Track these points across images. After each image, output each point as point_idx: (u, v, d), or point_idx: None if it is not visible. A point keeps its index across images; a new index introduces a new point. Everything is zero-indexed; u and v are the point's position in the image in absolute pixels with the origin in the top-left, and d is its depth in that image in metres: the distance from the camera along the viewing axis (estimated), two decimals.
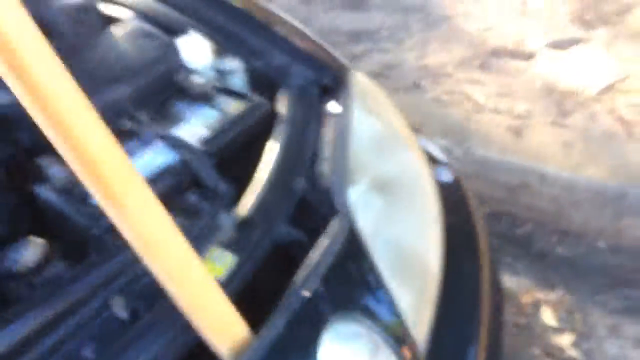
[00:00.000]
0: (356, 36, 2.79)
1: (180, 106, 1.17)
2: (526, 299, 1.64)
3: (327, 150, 1.00)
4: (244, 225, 0.87)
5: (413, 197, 0.98)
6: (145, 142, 1.08)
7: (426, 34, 2.63)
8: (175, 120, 1.13)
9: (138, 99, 1.17)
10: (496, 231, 1.92)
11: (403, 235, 0.91)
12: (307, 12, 2.98)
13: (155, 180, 0.98)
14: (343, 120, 1.02)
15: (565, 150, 1.77)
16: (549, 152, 1.79)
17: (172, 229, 0.64)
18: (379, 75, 2.52)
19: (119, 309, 0.79)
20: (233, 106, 1.13)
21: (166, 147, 1.04)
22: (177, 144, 1.03)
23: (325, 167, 0.97)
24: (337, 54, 1.31)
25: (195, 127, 1.10)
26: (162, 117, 1.15)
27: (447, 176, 1.08)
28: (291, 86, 1.16)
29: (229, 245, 0.85)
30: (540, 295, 1.65)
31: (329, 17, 2.91)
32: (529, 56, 2.26)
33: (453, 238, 0.98)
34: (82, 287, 0.80)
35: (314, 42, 1.33)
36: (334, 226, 0.86)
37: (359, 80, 1.19)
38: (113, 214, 0.60)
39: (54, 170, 0.96)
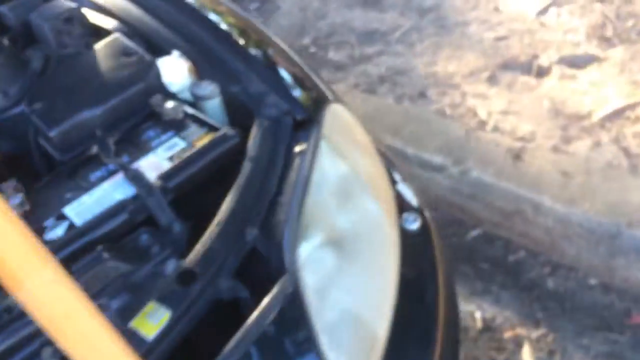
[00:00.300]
0: (369, 36, 2.72)
1: (149, 133, 1.15)
2: (508, 334, 1.61)
3: (286, 196, 0.98)
4: (186, 277, 0.85)
5: (370, 254, 0.95)
6: (109, 172, 1.07)
7: (439, 39, 2.55)
8: (142, 148, 1.11)
9: (109, 121, 1.15)
10: (488, 255, 1.88)
11: (352, 298, 0.88)
12: (320, 8, 2.92)
13: (107, 217, 0.97)
14: (306, 163, 0.98)
15: (564, 181, 1.71)
16: (547, 180, 1.73)
17: (83, 309, 0.62)
18: (387, 81, 2.47)
19: (49, 358, 0.79)
20: (200, 137, 1.10)
21: (125, 179, 1.03)
22: (135, 177, 1.01)
23: (282, 216, 0.94)
24: (321, 83, 1.28)
25: (160, 158, 1.08)
26: (130, 144, 1.13)
27: (415, 224, 1.04)
28: (264, 117, 1.13)
29: (167, 300, 0.83)
30: (522, 331, 1.62)
31: (342, 14, 2.84)
32: (540, 72, 2.18)
33: (409, 297, 0.95)
34: (13, 336, 0.79)
35: (298, 69, 1.29)
36: (279, 287, 0.84)
37: (337, 114, 1.15)
38: (15, 295, 0.59)
39: None
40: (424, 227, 1.06)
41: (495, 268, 1.83)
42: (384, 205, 1.01)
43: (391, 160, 1.21)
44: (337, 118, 1.13)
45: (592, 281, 1.68)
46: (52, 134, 1.08)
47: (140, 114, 1.18)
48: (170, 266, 0.89)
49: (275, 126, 1.10)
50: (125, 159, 1.09)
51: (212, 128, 1.11)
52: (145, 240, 0.95)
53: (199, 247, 0.88)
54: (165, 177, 1.01)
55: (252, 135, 1.08)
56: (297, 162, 1.02)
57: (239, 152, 1.07)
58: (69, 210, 0.99)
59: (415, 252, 1.02)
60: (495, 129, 2.02)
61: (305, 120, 1.12)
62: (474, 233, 1.94)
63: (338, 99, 1.27)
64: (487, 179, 1.82)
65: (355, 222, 0.96)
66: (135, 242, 0.95)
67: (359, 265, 0.92)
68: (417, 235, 1.04)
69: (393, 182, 1.13)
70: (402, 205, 1.09)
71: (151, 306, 0.81)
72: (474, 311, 1.72)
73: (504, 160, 1.84)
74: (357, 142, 1.12)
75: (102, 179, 1.05)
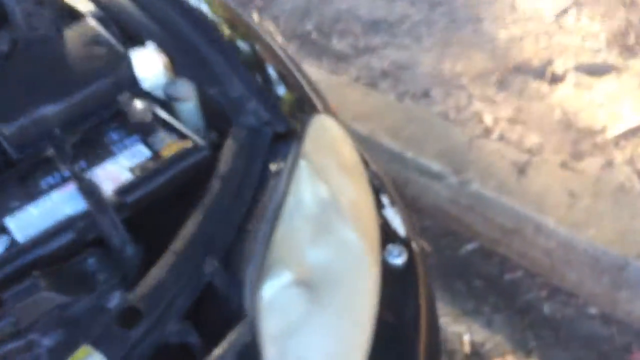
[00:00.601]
0: (375, 26, 2.58)
1: (113, 136, 1.04)
2: None
3: (256, 223, 0.87)
4: (129, 316, 0.75)
5: (345, 296, 0.84)
6: (62, 179, 0.96)
7: (448, 34, 2.42)
8: (102, 153, 1.01)
9: (70, 118, 1.05)
10: (484, 272, 1.78)
11: (319, 351, 0.77)
12: None
13: (52, 234, 0.87)
14: (281, 187, 0.87)
15: (570, 202, 1.59)
16: (552, 200, 1.61)
17: None
18: (390, 76, 2.34)
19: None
20: (167, 146, 0.99)
21: (77, 191, 0.92)
22: (88, 190, 0.91)
23: (248, 246, 0.84)
24: (309, 88, 1.16)
25: (120, 167, 0.97)
26: (90, 147, 1.02)
27: (399, 258, 0.94)
28: (242, 126, 1.02)
29: (104, 343, 0.73)
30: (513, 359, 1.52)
31: (348, 1, 2.70)
32: (553, 79, 2.05)
33: (387, 346, 0.84)
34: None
35: (286, 69, 1.17)
36: (234, 334, 0.73)
37: (322, 126, 1.04)
38: None
39: None
40: (410, 262, 0.95)
41: (489, 287, 1.73)
42: (365, 238, 0.91)
43: (382, 180, 1.10)
44: (322, 132, 1.02)
45: (593, 310, 1.58)
46: (7, 130, 0.98)
47: (106, 113, 1.07)
48: (114, 300, 0.79)
49: (252, 138, 0.99)
50: (82, 164, 0.99)
51: (181, 136, 1.00)
52: (91, 264, 0.85)
53: (147, 280, 0.78)
54: (123, 191, 0.91)
55: (225, 148, 0.97)
56: (271, 183, 0.91)
57: (209, 166, 0.96)
58: (12, 222, 0.89)
59: (398, 292, 0.92)
60: (501, 137, 1.90)
61: (286, 133, 1.00)
62: (470, 247, 1.84)
63: (327, 108, 1.16)
64: (487, 192, 1.71)
65: (331, 258, 0.86)
66: (79, 266, 0.84)
67: (331, 310, 0.82)
68: (401, 272, 0.94)
69: (380, 207, 1.02)
70: (388, 234, 0.98)
71: (84, 351, 0.71)
72: (463, 333, 1.62)
73: (508, 173, 1.73)
74: (342, 161, 1.01)
75: (54, 186, 0.96)
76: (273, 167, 0.94)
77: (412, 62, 2.37)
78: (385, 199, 1.04)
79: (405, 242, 0.98)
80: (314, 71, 2.49)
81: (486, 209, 1.73)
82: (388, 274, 0.92)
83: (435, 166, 1.86)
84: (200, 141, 0.98)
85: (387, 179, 1.12)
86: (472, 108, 2.03)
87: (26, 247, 0.85)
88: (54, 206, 0.91)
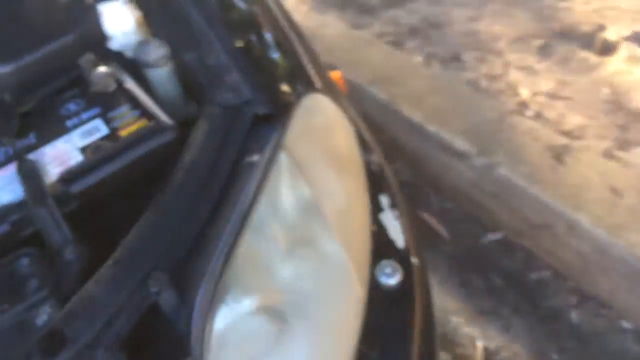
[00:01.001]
0: None
1: (70, 106, 0.93)
2: None
3: (216, 229, 0.75)
4: (51, 341, 0.65)
5: (321, 325, 0.72)
6: (5, 159, 0.86)
7: None
8: (55, 127, 0.90)
9: (23, 82, 0.94)
10: (506, 267, 1.65)
11: None
12: None
13: None
14: (251, 187, 0.75)
15: (611, 200, 1.44)
16: (590, 196, 1.46)
17: None
18: (418, 34, 2.17)
19: None
20: (128, 123, 0.87)
21: (17, 175, 0.81)
22: (28, 174, 0.80)
23: (204, 259, 0.72)
24: (312, 63, 1.02)
25: (71, 145, 0.86)
26: (43, 119, 0.91)
27: (392, 278, 0.81)
28: (217, 102, 0.89)
29: None
30: None
31: None
32: (604, 49, 1.86)
33: None
34: None
35: (284, 38, 1.03)
36: None
37: (314, 109, 0.90)
38: None
39: None
40: (406, 281, 0.83)
41: (510, 285, 1.61)
42: (351, 251, 0.77)
43: (384, 176, 0.96)
44: (313, 115, 0.88)
45: (626, 324, 1.45)
46: None
47: (65, 78, 0.96)
48: (43, 317, 0.69)
49: (227, 119, 0.86)
50: (31, 139, 0.88)
51: (146, 113, 0.88)
52: (24, 267, 0.74)
53: (79, 297, 0.67)
54: (68, 178, 0.79)
55: (193, 132, 0.84)
56: (243, 179, 0.79)
57: (174, 150, 0.84)
58: None
59: (387, 320, 0.79)
60: (538, 115, 1.73)
61: (269, 115, 0.87)
62: (492, 237, 1.70)
63: (327, 84, 1.02)
64: (516, 179, 1.56)
65: (308, 277, 0.73)
66: (10, 268, 0.74)
67: (303, 344, 0.70)
68: (394, 294, 0.81)
69: (377, 210, 0.89)
70: (382, 246, 0.86)
71: None
72: (476, 338, 1.51)
73: (541, 159, 1.57)
74: (335, 154, 0.87)
75: None
76: (249, 158, 0.82)
77: (444, 19, 2.18)
78: (384, 200, 0.91)
79: (402, 256, 0.85)
80: (334, 24, 2.32)
81: (513, 198, 1.59)
82: (378, 296, 0.80)
83: (460, 143, 1.71)
84: (165, 120, 0.85)
85: (391, 173, 0.99)
86: (508, 78, 1.86)
87: None
88: None
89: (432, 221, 1.79)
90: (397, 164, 1.92)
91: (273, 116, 0.88)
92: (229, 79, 0.91)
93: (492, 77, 1.88)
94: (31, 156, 0.84)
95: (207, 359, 0.63)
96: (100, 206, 0.81)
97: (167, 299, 0.68)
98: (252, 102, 0.88)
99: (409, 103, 1.88)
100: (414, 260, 0.87)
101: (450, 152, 1.75)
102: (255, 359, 0.67)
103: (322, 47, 2.19)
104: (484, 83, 1.87)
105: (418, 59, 2.06)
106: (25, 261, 0.75)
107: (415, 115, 1.84)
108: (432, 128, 1.79)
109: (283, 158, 0.78)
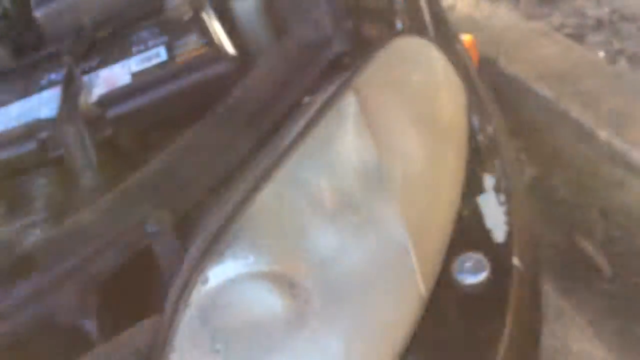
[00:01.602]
0: None
1: (143, 34, 0.90)
2: None
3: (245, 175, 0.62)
4: (19, 266, 0.57)
5: (358, 319, 0.57)
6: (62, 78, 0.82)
7: None
8: (120, 52, 0.85)
9: (105, 6, 0.92)
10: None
11: None
12: None
13: (9, 141, 0.73)
14: (300, 124, 0.62)
15: None
16: None
17: None
18: (606, 27, 1.89)
19: None
20: (189, 52, 0.79)
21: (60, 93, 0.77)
22: (71, 94, 0.75)
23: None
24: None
25: (125, 70, 0.80)
26: (113, 45, 0.87)
27: (476, 276, 0.63)
28: (292, 36, 0.77)
29: None
30: None
31: None
32: None
33: None
34: None
35: None
36: (135, 332, 0.52)
37: (413, 54, 0.74)
38: None
39: None
40: (497, 285, 0.63)
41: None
42: (419, 233, 0.61)
43: (498, 153, 0.77)
44: (407, 62, 0.72)
45: None
46: (40, 12, 0.90)
47: (145, 5, 0.91)
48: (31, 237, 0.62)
49: (299, 55, 0.74)
50: (94, 62, 0.84)
51: (211, 43, 0.79)
52: (40, 186, 0.69)
53: (66, 223, 0.59)
54: (107, 100, 0.73)
55: (257, 64, 0.73)
56: (295, 119, 0.66)
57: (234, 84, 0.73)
58: None
59: (459, 329, 0.61)
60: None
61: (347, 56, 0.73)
62: None
63: (445, 39, 0.86)
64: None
65: (350, 253, 0.58)
66: (26, 186, 0.69)
67: (326, 338, 0.55)
68: (474, 297, 0.63)
69: (477, 191, 0.70)
70: (473, 234, 0.67)
71: None
72: None
73: None
74: (428, 113, 0.70)
75: (53, 84, 0.82)
76: (308, 98, 0.68)
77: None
78: (489, 180, 0.72)
79: (498, 252, 0.65)
80: (505, 13, 2.12)
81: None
82: (449, 297, 0.61)
83: (637, 156, 1.43)
84: (227, 49, 0.75)
85: (509, 152, 0.79)
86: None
87: None
88: (33, 106, 0.78)
89: (592, 251, 1.52)
90: (557, 177, 1.67)
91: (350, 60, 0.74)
92: (314, 11, 0.78)
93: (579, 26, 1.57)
94: (86, 78, 0.80)
95: (180, 320, 0.51)
96: (143, 137, 0.74)
97: (164, 243, 0.57)
98: (332, 40, 0.75)
99: (580, 103, 1.63)
100: (516, 262, 0.67)
101: (625, 165, 1.47)
102: (260, 345, 0.54)
103: (487, 39, 1.99)
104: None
105: (600, 55, 1.79)
106: (42, 181, 0.69)
107: (585, 117, 1.59)
108: (604, 134, 1.52)
109: (350, 101, 0.64)
